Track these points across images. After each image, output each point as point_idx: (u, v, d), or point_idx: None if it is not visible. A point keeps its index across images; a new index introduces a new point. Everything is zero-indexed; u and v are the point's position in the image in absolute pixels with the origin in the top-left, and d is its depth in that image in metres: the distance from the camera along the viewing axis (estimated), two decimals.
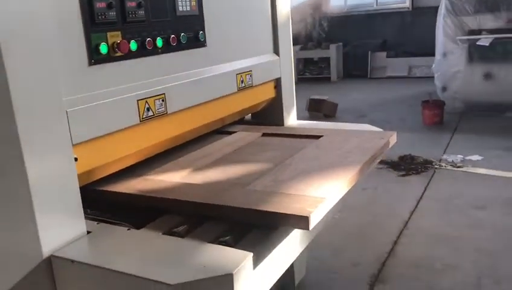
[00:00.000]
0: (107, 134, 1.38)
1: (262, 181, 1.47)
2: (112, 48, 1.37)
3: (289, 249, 1.34)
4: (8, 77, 1.07)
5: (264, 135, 2.10)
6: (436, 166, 4.24)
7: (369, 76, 9.46)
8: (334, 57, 9.40)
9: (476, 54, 5.99)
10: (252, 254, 1.12)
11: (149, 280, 1.04)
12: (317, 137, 1.97)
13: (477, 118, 5.78)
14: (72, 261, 1.15)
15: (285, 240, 1.30)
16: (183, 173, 1.61)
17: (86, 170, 1.34)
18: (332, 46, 9.39)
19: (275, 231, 1.28)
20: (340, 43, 9.66)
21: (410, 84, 8.42)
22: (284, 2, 2.24)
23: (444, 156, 4.46)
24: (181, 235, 1.26)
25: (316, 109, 6.48)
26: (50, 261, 1.18)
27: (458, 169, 4.15)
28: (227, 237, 1.23)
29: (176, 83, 1.61)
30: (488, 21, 5.96)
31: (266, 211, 1.26)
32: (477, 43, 5.85)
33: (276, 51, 2.25)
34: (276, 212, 1.24)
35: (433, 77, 6.57)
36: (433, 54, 6.71)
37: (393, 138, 1.96)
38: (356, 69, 9.57)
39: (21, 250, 1.16)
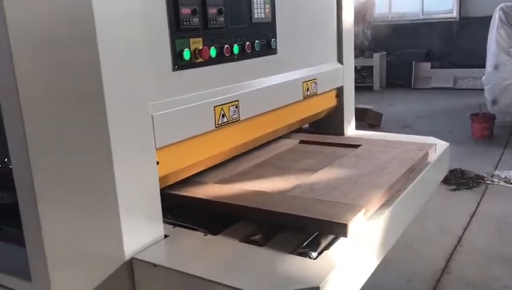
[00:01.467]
0: (185, 139, 1.38)
1: (300, 189, 1.49)
2: (194, 54, 1.38)
3: (367, 261, 1.32)
4: (103, 81, 1.08)
5: (301, 142, 2.09)
6: (488, 182, 4.12)
7: (412, 86, 9.30)
8: (378, 66, 9.30)
9: None
10: (337, 266, 1.10)
11: (235, 289, 1.04)
12: (356, 146, 1.97)
13: None
14: (154, 265, 1.16)
15: (365, 251, 1.27)
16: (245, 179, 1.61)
17: (164, 174, 1.35)
18: (376, 55, 9.29)
19: (352, 244, 1.26)
20: (384, 52, 9.55)
21: (455, 96, 8.24)
22: (349, 11, 2.22)
23: (496, 172, 4.33)
24: (259, 243, 1.25)
25: (360, 118, 6.39)
26: (131, 264, 1.19)
27: None
28: (306, 249, 1.21)
29: (249, 90, 1.61)
30: None
31: (308, 217, 1.27)
32: None
33: (340, 59, 2.23)
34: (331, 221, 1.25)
35: (480, 89, 6.42)
36: (480, 66, 6.56)
37: (432, 150, 1.92)
38: (399, 78, 9.44)
39: (105, 251, 1.18)
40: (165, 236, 1.29)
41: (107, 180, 1.14)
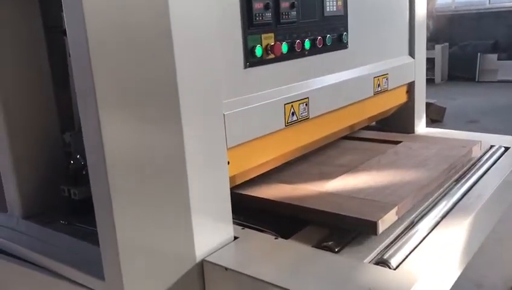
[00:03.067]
0: (255, 139, 1.34)
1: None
2: (266, 50, 1.33)
3: (449, 271, 1.24)
4: (178, 81, 1.06)
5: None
6: None
7: (477, 79, 8.89)
8: (439, 58, 8.94)
9: None
10: (420, 279, 1.03)
11: None
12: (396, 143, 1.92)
13: None
14: (226, 268, 1.13)
15: (447, 260, 1.19)
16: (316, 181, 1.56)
17: (233, 175, 1.32)
18: (438, 47, 8.93)
19: (434, 253, 1.18)
20: (446, 44, 9.17)
21: None
22: (421, 3, 2.11)
23: None
24: (332, 249, 1.19)
25: None
26: (202, 265, 1.17)
27: None
28: (385, 257, 1.14)
29: (319, 86, 1.55)
30: None
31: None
32: None
33: (412, 53, 2.12)
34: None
35: None
36: None
37: (476, 148, 1.82)
38: (462, 71, 9.04)
39: (177, 253, 1.16)
40: (235, 238, 1.26)
41: (179, 180, 1.12)
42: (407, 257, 1.15)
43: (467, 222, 1.31)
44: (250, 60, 1.29)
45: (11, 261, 1.31)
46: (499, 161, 1.81)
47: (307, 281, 1.06)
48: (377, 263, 1.13)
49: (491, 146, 1.96)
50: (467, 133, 2.24)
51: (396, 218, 1.30)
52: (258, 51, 1.30)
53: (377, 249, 1.19)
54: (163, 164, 1.10)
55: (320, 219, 1.31)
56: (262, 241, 1.25)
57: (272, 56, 1.35)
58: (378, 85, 1.88)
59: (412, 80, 2.13)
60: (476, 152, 1.84)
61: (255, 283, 1.08)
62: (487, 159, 1.81)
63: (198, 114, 1.13)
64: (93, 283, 1.16)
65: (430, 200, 1.47)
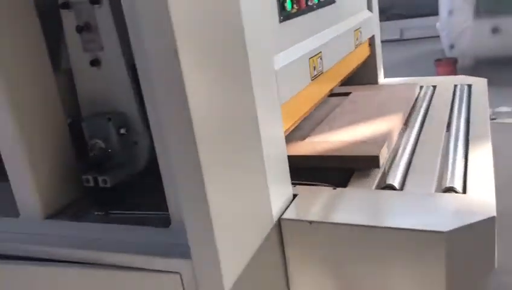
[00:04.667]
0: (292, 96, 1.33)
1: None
2: (292, 3, 1.31)
3: None
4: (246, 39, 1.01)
5: None
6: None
7: None
8: None
9: (483, 8, 6.06)
10: (489, 196, 1.12)
11: (418, 231, 1.02)
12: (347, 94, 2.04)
13: (491, 72, 5.87)
14: (310, 222, 1.12)
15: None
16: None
17: None
18: None
19: None
20: None
21: (404, 46, 8.46)
22: None
23: None
24: (396, 188, 1.24)
25: None
26: (279, 225, 1.14)
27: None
28: (448, 185, 1.21)
29: (327, 40, 1.56)
30: None
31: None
32: None
33: (370, 8, 2.21)
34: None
35: (427, 38, 6.62)
36: (424, 15, 6.76)
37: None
38: None
39: (258, 215, 1.11)
40: (294, 195, 1.25)
41: (256, 140, 1.07)
42: (464, 181, 1.23)
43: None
44: (283, 14, 1.27)
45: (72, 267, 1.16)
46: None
47: (403, 218, 1.09)
48: (445, 191, 1.19)
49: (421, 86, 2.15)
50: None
51: (387, 152, 1.41)
52: (289, 5, 1.28)
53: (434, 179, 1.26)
54: (242, 126, 1.05)
55: (333, 164, 1.39)
56: (324, 193, 1.25)
57: (295, 10, 1.34)
58: (357, 39, 1.94)
59: (373, 33, 2.23)
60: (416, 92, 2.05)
61: (346, 229, 1.09)
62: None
63: (261, 71, 1.08)
64: (175, 266, 1.08)
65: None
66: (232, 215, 1.04)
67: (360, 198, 1.20)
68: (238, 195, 1.06)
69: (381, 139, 1.43)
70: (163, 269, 1.10)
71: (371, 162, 1.35)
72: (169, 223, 1.17)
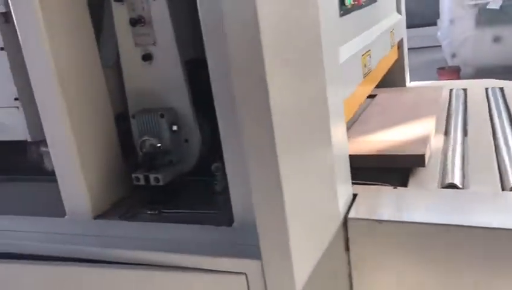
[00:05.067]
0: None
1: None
2: None
3: None
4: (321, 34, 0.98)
5: None
6: None
7: None
8: None
9: (484, 18, 6.10)
10: None
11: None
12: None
13: None
14: (380, 221, 1.08)
15: None
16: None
17: None
18: None
19: None
20: None
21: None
22: None
23: None
24: (458, 187, 1.21)
25: None
26: (345, 224, 1.11)
27: None
28: None
29: (374, 38, 1.54)
30: None
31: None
32: (488, 6, 5.96)
33: (399, 10, 2.20)
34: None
35: (426, 47, 6.66)
36: (423, 25, 6.82)
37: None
38: None
39: (326, 213, 1.08)
40: (354, 195, 1.21)
41: (327, 141, 1.04)
42: None
43: None
44: (343, 8, 1.24)
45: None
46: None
47: (481, 216, 1.05)
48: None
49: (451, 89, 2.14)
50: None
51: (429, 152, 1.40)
52: None
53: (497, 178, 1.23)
54: (315, 122, 1.02)
55: (373, 163, 1.36)
56: (385, 193, 1.22)
57: (351, 5, 1.31)
58: (392, 40, 1.92)
59: (402, 36, 2.22)
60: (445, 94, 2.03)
61: (426, 229, 1.05)
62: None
63: (330, 66, 1.05)
64: (242, 266, 1.03)
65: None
66: (304, 215, 1.00)
67: (428, 197, 1.17)
68: (310, 193, 1.02)
69: (421, 139, 1.41)
70: (229, 270, 1.05)
71: (416, 160, 1.33)
72: (230, 222, 1.13)
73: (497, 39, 6.08)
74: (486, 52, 6.12)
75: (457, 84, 2.26)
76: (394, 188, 1.24)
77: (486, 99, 1.95)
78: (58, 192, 1.29)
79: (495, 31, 6.08)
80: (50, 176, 1.46)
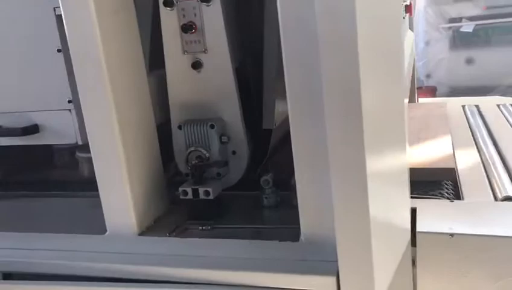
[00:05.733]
0: None
1: None
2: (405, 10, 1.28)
3: None
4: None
5: None
6: None
7: None
8: None
9: (458, 40, 6.32)
10: None
11: None
12: None
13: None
14: (451, 234, 1.05)
15: None
16: None
17: None
18: None
19: None
20: None
21: None
22: None
23: None
24: None
25: None
26: (414, 237, 1.08)
27: None
28: None
29: (405, 50, 1.53)
30: (467, 9, 6.31)
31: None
32: (461, 29, 6.17)
33: (411, 27, 2.23)
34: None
35: None
36: None
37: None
38: None
39: (398, 226, 1.05)
40: (412, 208, 1.18)
41: (401, 153, 1.02)
42: None
43: None
44: None
45: None
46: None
47: None
48: None
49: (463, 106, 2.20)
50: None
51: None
52: (403, 10, 1.24)
53: None
54: (394, 134, 0.99)
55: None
56: (445, 206, 1.20)
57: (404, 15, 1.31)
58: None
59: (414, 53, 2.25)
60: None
61: (501, 242, 1.02)
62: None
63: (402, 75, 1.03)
64: (315, 283, 0.98)
65: None
66: (382, 230, 0.96)
67: (491, 210, 1.15)
68: (387, 208, 0.99)
69: (446, 153, 1.45)
70: (301, 288, 1.00)
71: (447, 174, 1.36)
72: (287, 237, 1.08)
73: (469, 61, 6.29)
74: (459, 73, 6.32)
75: (465, 100, 2.30)
76: (451, 201, 1.22)
77: (501, 115, 1.98)
78: (85, 207, 1.23)
79: (468, 53, 6.29)
80: (76, 188, 1.40)
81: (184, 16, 1.19)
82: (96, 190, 1.19)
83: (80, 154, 1.54)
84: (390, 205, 1.00)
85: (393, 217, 1.02)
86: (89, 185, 1.38)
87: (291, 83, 0.97)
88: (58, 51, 1.26)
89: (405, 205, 1.05)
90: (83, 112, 1.12)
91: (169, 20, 1.20)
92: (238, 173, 1.26)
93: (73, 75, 1.25)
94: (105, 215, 1.18)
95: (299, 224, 1.10)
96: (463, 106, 2.14)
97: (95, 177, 1.28)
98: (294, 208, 1.20)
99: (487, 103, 2.20)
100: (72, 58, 1.09)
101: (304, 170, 1.01)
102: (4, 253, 1.21)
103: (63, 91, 1.28)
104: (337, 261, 0.98)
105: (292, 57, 0.95)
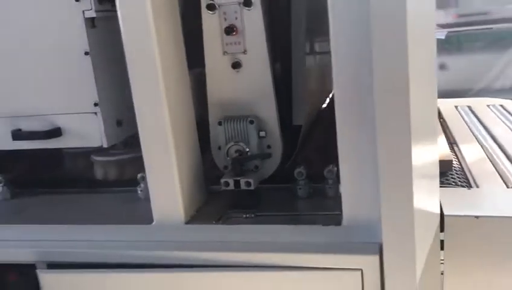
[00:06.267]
0: None
1: None
2: None
3: None
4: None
5: None
6: None
7: None
8: None
9: None
10: None
11: None
12: None
13: None
14: (476, 217, 1.17)
15: None
16: None
17: None
18: None
19: None
20: None
21: None
22: None
23: None
24: None
25: None
26: (442, 221, 1.19)
27: None
28: None
29: None
30: (440, 17, 6.57)
31: None
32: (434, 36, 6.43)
33: None
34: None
35: None
36: None
37: None
38: None
39: (431, 211, 1.16)
40: None
41: (433, 144, 1.13)
42: None
43: None
44: None
45: None
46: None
47: None
48: None
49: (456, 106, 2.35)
50: None
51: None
52: None
53: None
54: (430, 127, 1.10)
55: None
56: (464, 193, 1.32)
57: None
58: None
59: None
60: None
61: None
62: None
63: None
64: (358, 262, 1.08)
65: None
66: (421, 215, 1.07)
67: (509, 196, 1.28)
68: (424, 194, 1.10)
69: (443, 147, 1.57)
70: (344, 267, 1.10)
71: (445, 165, 1.46)
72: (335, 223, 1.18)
73: (442, 66, 6.56)
74: None
75: (457, 101, 2.45)
76: (468, 189, 1.34)
77: (492, 114, 2.14)
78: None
79: (440, 59, 6.56)
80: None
81: (225, 19, 1.27)
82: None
83: (95, 158, 1.59)
84: (426, 192, 1.11)
85: (428, 203, 1.12)
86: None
87: (339, 77, 1.06)
88: (86, 53, 1.30)
89: (436, 192, 1.16)
90: (136, 107, 1.19)
91: (211, 23, 1.28)
92: (273, 166, 1.35)
93: (101, 78, 1.32)
94: (153, 206, 1.25)
95: (334, 211, 1.21)
96: (456, 106, 2.29)
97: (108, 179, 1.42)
98: (327, 197, 1.31)
99: (477, 103, 2.35)
100: (126, 54, 1.15)
101: (347, 161, 1.11)
102: (54, 245, 1.27)
103: (89, 94, 1.32)
104: (377, 242, 1.09)
105: (341, 51, 1.04)
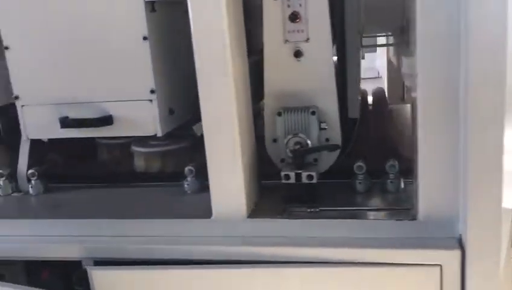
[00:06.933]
0: None
1: None
2: None
3: None
4: None
5: None
6: None
7: None
8: None
9: None
10: None
11: None
12: None
13: None
14: None
15: None
16: None
17: None
18: None
19: None
20: None
21: None
22: None
23: None
24: None
25: None
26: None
27: None
28: None
29: None
30: None
31: None
32: None
33: None
34: None
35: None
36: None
37: None
38: None
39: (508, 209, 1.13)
40: None
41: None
42: None
43: None
44: None
45: None
46: None
47: None
48: None
49: None
50: None
51: None
52: None
53: None
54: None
55: None
56: None
57: None
58: None
59: None
60: None
61: None
62: None
63: None
64: (438, 258, 1.05)
65: None
66: (504, 211, 1.05)
67: None
68: (506, 193, 1.07)
69: None
70: (423, 263, 1.07)
71: None
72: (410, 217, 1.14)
73: None
74: None
75: None
76: None
77: None
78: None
79: None
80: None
81: (289, 5, 1.23)
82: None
83: (136, 149, 1.53)
84: (509, 187, 1.08)
85: (506, 200, 1.10)
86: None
87: (423, 72, 1.03)
88: (144, 38, 1.25)
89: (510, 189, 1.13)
90: (201, 97, 1.13)
91: (274, 10, 1.23)
92: (330, 159, 1.31)
93: (158, 64, 1.27)
94: (213, 200, 1.19)
95: (403, 206, 1.18)
96: None
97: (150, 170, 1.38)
98: (388, 192, 1.28)
99: None
100: (194, 40, 1.10)
101: (427, 158, 1.07)
102: (100, 240, 1.21)
103: (146, 81, 1.27)
104: (455, 237, 1.06)
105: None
